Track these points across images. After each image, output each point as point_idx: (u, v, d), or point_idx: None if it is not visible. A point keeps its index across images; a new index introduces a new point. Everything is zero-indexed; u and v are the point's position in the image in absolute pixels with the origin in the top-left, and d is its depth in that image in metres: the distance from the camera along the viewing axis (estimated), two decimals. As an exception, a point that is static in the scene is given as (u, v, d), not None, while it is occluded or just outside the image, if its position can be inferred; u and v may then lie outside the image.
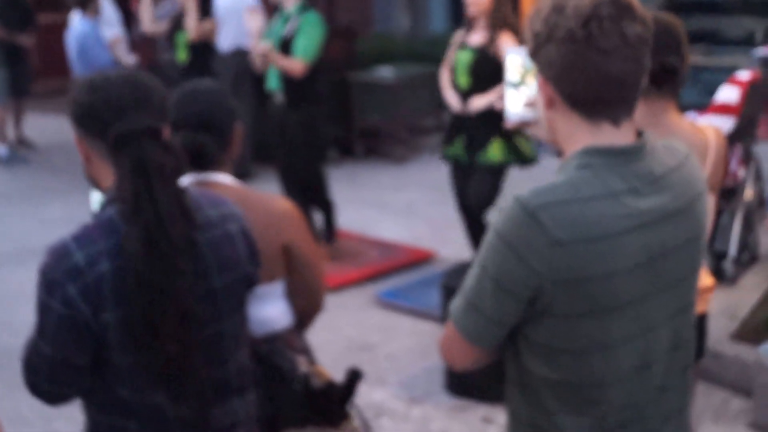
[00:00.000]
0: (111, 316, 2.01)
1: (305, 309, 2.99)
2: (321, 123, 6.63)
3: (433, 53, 10.45)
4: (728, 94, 5.98)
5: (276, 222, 2.83)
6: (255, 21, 6.48)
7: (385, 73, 9.73)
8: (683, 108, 2.97)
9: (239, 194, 2.72)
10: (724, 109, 5.93)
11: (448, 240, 7.07)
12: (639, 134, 1.96)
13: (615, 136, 1.90)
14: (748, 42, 10.13)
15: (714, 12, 11.05)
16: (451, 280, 4.80)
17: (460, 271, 4.87)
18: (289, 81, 6.42)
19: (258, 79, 7.27)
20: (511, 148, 5.66)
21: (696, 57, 8.95)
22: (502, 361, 2.06)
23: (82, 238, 2.05)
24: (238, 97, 8.44)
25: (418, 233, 7.43)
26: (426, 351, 5.39)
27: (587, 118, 1.90)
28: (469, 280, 1.94)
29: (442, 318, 4.85)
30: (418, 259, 6.83)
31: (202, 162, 2.76)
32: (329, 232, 6.92)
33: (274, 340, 2.81)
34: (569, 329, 1.86)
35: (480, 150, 5.70)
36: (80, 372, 2.08)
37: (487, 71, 5.56)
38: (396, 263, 6.74)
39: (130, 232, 2.00)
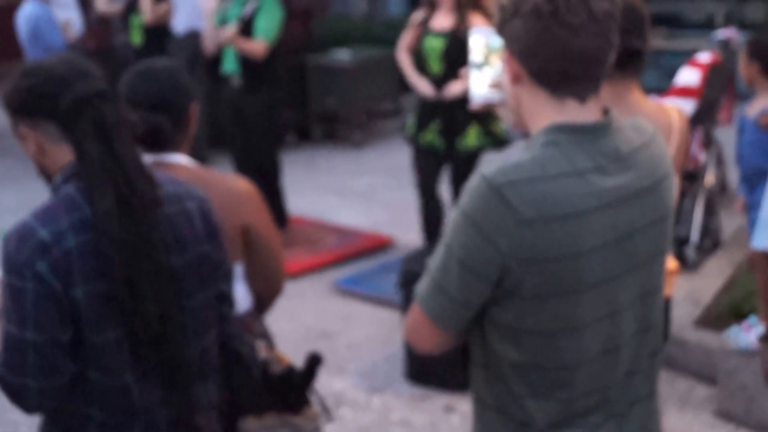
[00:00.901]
0: (80, 292, 1.98)
1: (264, 292, 2.96)
2: (279, 107, 6.52)
3: (390, 36, 10.34)
4: (689, 76, 5.95)
5: (235, 203, 2.78)
6: (209, 2, 6.37)
7: (342, 56, 9.64)
8: (644, 91, 2.96)
9: (197, 175, 2.69)
10: (685, 92, 5.90)
11: (407, 226, 6.98)
12: (605, 112, 1.93)
13: (581, 113, 1.88)
14: (708, 25, 10.16)
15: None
16: (411, 266, 4.71)
17: (420, 256, 4.79)
18: (247, 63, 6.31)
19: (213, 62, 7.14)
20: (487, 133, 5.57)
21: (657, 40, 8.94)
22: (464, 348, 2.04)
23: (44, 215, 2.02)
24: (192, 80, 8.27)
25: (376, 219, 7.36)
26: (386, 339, 5.32)
27: (553, 94, 1.88)
28: (435, 260, 1.91)
29: (402, 305, 4.77)
30: (377, 246, 6.75)
31: (158, 143, 2.70)
32: (280, 219, 6.81)
33: (233, 323, 2.73)
34: (536, 310, 1.84)
35: (458, 136, 5.58)
36: (66, 352, 2.02)
37: (461, 55, 5.38)
38: (354, 250, 6.65)
39: (101, 192, 1.99)
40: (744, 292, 5.02)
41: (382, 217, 7.38)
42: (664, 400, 4.43)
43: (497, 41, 2.17)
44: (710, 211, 5.99)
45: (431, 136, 5.66)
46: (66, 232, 2.00)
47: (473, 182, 1.84)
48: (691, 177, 5.92)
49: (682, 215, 5.82)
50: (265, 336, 2.96)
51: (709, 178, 6.11)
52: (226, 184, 2.82)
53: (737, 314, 4.87)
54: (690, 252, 5.77)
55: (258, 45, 6.22)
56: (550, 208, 1.79)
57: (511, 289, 1.83)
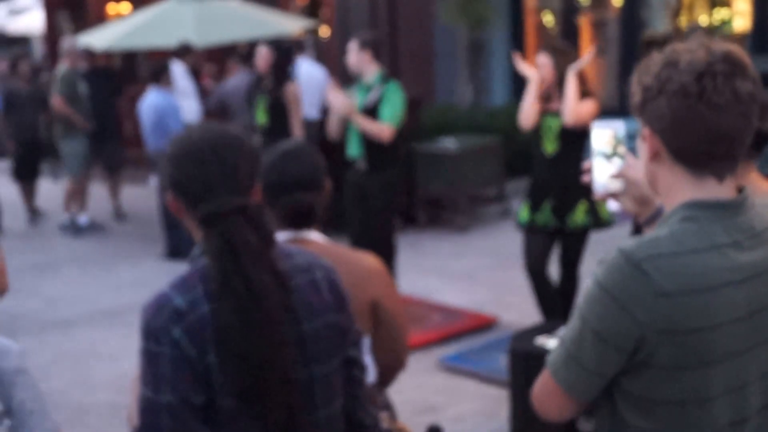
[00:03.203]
0: (213, 358, 2.04)
1: (388, 365, 3.04)
2: (398, 188, 6.85)
3: (494, 124, 10.66)
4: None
5: (364, 278, 2.91)
6: (336, 98, 6.68)
7: (448, 143, 9.93)
8: None
9: (329, 251, 2.81)
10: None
11: (509, 306, 7.14)
12: (739, 190, 1.99)
13: (718, 190, 1.93)
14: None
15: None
16: (520, 344, 4.83)
17: (527, 335, 4.91)
18: (371, 146, 6.64)
19: (336, 148, 7.47)
20: (592, 211, 5.89)
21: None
22: (570, 422, 2.11)
23: (180, 284, 2.10)
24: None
25: (479, 299, 7.51)
26: (491, 414, 5.44)
27: (692, 172, 1.93)
28: (569, 331, 1.95)
29: (510, 382, 4.89)
30: (481, 325, 6.90)
31: (306, 221, 2.86)
32: None
33: (364, 387, 2.82)
34: (668, 381, 1.88)
35: (568, 213, 5.90)
36: (199, 416, 2.06)
37: (575, 137, 5.84)
38: (459, 328, 6.82)
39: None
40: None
41: (485, 298, 7.54)
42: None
43: (622, 131, 2.23)
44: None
45: (545, 216, 5.97)
46: (200, 300, 2.06)
47: (611, 256, 1.89)
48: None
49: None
50: (388, 408, 3.05)
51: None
52: (355, 260, 2.95)
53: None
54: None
55: (384, 128, 6.54)
56: (688, 282, 1.83)
57: (644, 359, 1.86)
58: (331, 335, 2.23)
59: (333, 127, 6.79)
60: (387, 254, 6.89)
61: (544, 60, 5.95)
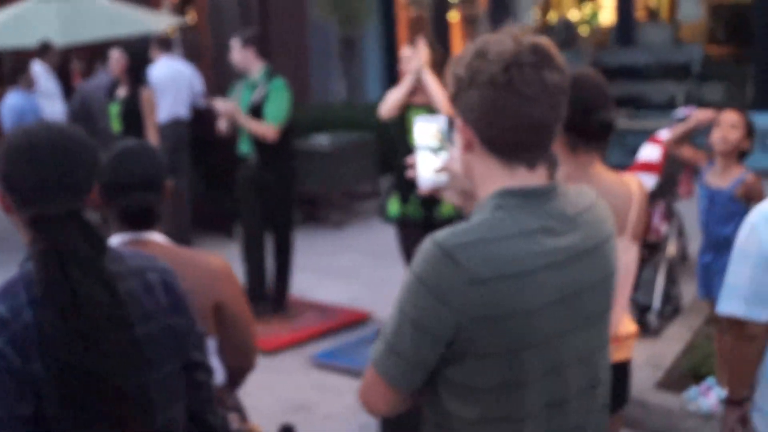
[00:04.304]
0: (38, 367, 1.98)
1: (237, 367, 3.01)
2: (295, 180, 6.93)
3: (369, 121, 10.68)
4: (650, 152, 6.21)
5: (208, 280, 2.84)
6: (223, 105, 6.65)
7: (322, 140, 9.92)
8: (609, 168, 3.09)
9: (170, 253, 2.75)
10: (647, 167, 6.15)
11: (384, 301, 7.09)
12: (551, 177, 2.01)
13: (529, 178, 1.95)
14: (669, 106, 10.49)
15: (637, 78, 11.45)
16: None
17: None
18: (261, 143, 6.65)
19: (228, 143, 7.42)
20: None
21: (621, 120, 9.26)
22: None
23: (3, 292, 2.03)
24: (176, 167, 8.52)
25: (354, 295, 7.52)
26: (362, 409, 5.42)
27: (504, 161, 1.94)
28: (390, 324, 1.96)
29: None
30: (355, 320, 6.92)
31: (145, 222, 2.79)
32: (283, 298, 7.08)
33: (210, 390, 2.80)
34: (487, 367, 1.88)
35: (436, 205, 5.96)
36: (29, 426, 1.99)
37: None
38: (332, 325, 6.82)
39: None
40: (702, 355, 5.21)
41: (360, 294, 7.55)
42: (627, 460, 4.60)
43: (445, 125, 2.24)
44: (671, 280, 6.21)
45: (412, 208, 6.05)
46: (24, 307, 1.98)
47: (424, 246, 1.89)
48: (653, 247, 6.16)
49: (645, 284, 6.03)
50: (238, 409, 3.01)
51: (671, 249, 6.35)
52: (199, 261, 2.87)
53: (696, 376, 5.06)
54: (652, 318, 5.98)
55: (267, 129, 6.58)
56: (500, 268, 1.83)
57: (463, 347, 1.87)
58: (168, 338, 2.18)
59: (220, 120, 6.80)
60: (286, 249, 7.02)
61: (407, 53, 5.98)
